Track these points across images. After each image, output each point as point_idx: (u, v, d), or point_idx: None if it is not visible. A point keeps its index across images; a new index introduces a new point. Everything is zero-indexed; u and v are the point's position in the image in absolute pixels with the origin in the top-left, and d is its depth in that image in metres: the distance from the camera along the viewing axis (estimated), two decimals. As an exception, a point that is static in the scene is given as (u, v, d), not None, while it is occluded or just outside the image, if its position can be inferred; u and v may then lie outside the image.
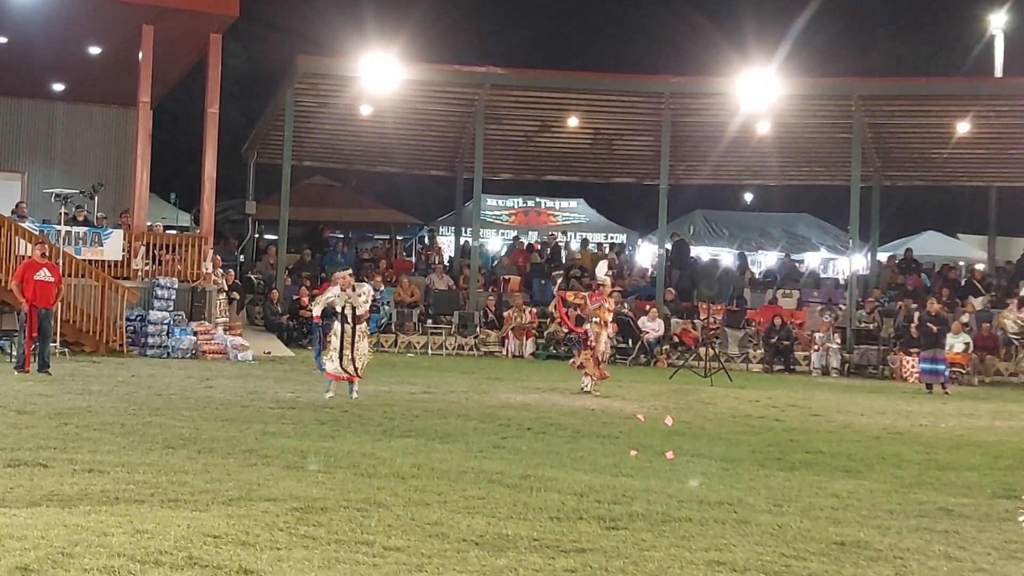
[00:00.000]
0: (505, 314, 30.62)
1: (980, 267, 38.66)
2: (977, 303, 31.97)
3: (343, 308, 16.98)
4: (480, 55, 36.43)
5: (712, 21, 50.29)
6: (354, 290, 17.14)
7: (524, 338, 30.18)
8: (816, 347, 29.55)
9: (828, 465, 11.88)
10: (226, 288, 27.37)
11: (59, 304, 20.72)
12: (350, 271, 18.15)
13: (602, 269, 20.91)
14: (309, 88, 31.79)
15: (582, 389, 19.63)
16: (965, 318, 29.60)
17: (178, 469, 9.64)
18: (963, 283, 34.92)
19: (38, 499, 8.12)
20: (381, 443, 12.00)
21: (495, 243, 44.87)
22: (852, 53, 48.22)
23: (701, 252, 40.10)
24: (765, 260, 42.17)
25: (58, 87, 32.10)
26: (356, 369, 16.99)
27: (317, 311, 17.35)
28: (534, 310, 31.26)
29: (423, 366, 25.27)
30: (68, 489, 8.53)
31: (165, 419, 13.20)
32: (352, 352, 16.90)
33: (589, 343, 19.98)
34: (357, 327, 17.03)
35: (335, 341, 16.96)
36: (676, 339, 30.53)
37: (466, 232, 37.57)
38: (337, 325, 17.03)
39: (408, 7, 45.82)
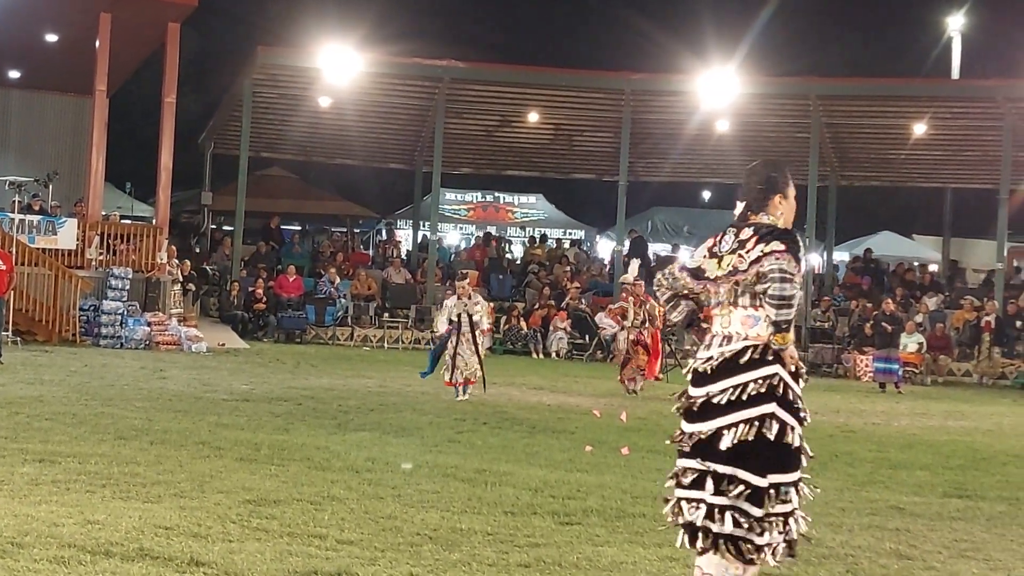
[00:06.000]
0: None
1: (933, 268, 38.98)
2: (931, 303, 32.24)
3: (458, 316, 16.98)
4: (442, 48, 36.36)
5: (672, 18, 50.44)
6: (470, 298, 17.18)
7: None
8: (771, 345, 29.64)
9: (782, 462, 11.91)
10: (181, 279, 27.22)
11: (11, 293, 20.56)
12: (468, 280, 18.07)
13: (633, 271, 20.74)
14: (268, 79, 31.66)
15: (637, 391, 19.53)
16: (919, 318, 29.84)
17: (130, 460, 9.57)
18: (918, 283, 35.17)
19: (-13, 489, 8.05)
20: (336, 436, 11.97)
21: (453, 237, 44.84)
22: (811, 52, 48.47)
23: (659, 249, 40.21)
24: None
25: (13, 74, 31.82)
26: (467, 377, 16.96)
27: (442, 327, 17.21)
28: (491, 305, 31.26)
29: (379, 359, 25.23)
30: (18, 479, 8.46)
31: (117, 410, 13.11)
32: (466, 360, 16.89)
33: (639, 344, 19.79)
34: (476, 335, 17.03)
35: (450, 348, 16.95)
36: (632, 335, 30.54)
37: (424, 226, 37.53)
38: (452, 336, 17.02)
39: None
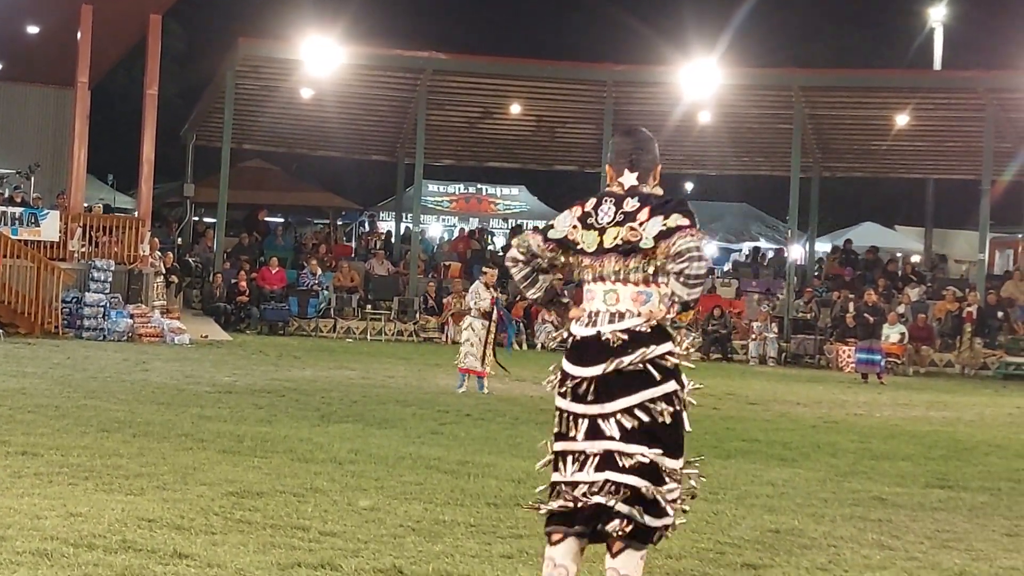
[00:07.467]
0: (445, 300, 30.58)
1: (915, 259, 39.09)
2: (913, 294, 32.34)
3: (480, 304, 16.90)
4: (424, 39, 36.31)
5: (654, 9, 50.43)
6: (495, 290, 17.18)
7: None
8: (754, 336, 29.75)
9: (764, 453, 11.94)
10: (164, 271, 27.17)
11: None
12: (496, 269, 18.01)
13: None
14: (250, 71, 31.60)
15: None
16: (901, 308, 29.93)
17: (113, 452, 9.55)
18: (900, 274, 35.27)
19: (-31, 482, 8.02)
20: (318, 428, 11.95)
21: (436, 229, 44.81)
22: (794, 43, 48.52)
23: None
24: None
25: (-6, 66, 31.70)
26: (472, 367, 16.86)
27: (484, 303, 16.96)
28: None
29: (362, 351, 25.21)
30: (1, 472, 8.43)
31: (100, 402, 13.07)
32: (489, 349, 16.79)
33: None
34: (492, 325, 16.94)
35: (471, 336, 16.79)
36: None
37: (406, 217, 37.49)
38: (477, 323, 16.85)
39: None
